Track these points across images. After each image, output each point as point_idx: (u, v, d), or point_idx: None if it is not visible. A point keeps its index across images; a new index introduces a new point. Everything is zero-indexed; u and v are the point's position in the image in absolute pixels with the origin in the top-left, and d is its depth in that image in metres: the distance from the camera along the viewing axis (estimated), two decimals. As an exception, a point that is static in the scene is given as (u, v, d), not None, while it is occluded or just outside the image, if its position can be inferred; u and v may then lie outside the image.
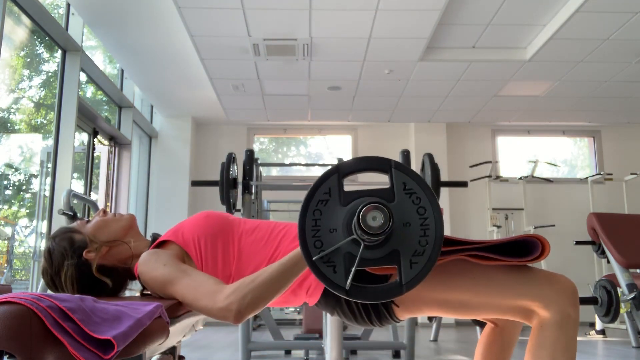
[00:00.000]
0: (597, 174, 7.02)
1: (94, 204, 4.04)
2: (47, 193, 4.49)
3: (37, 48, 4.84)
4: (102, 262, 1.27)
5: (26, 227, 4.93)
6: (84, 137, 5.40)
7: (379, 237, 0.92)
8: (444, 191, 6.68)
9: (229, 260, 1.26)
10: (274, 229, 1.31)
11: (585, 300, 3.79)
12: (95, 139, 5.55)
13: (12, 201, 4.80)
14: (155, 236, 1.35)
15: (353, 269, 0.93)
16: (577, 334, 1.16)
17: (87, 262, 1.26)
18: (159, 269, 1.16)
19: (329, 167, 0.98)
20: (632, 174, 6.76)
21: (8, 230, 4.72)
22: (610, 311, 3.64)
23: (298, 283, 1.25)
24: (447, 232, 6.95)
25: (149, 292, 1.27)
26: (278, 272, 1.08)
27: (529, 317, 1.19)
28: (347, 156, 7.54)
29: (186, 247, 1.25)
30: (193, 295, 1.10)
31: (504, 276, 1.17)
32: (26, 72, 4.82)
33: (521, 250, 1.17)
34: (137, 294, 1.37)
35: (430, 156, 3.61)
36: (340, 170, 0.97)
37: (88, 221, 1.35)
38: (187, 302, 1.12)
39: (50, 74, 4.93)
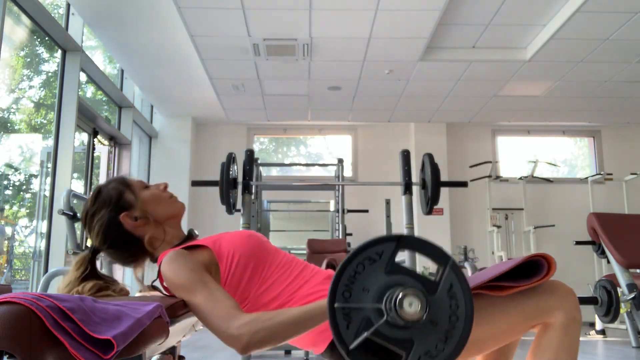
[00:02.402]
0: (597, 174, 7.03)
1: (94, 204, 4.03)
2: (47, 193, 4.49)
3: (37, 48, 4.84)
4: (132, 231, 1.28)
5: (26, 227, 4.93)
6: (84, 137, 5.40)
7: (404, 323, 0.92)
8: (444, 191, 6.68)
9: (252, 284, 1.25)
10: (303, 269, 1.31)
11: (585, 300, 3.80)
12: (95, 139, 5.55)
13: (12, 201, 4.80)
14: (191, 232, 1.35)
15: (365, 335, 0.92)
16: (580, 336, 1.17)
17: (119, 221, 1.27)
18: (185, 272, 1.16)
19: (390, 235, 0.97)
20: (632, 174, 6.76)
21: (8, 230, 4.72)
22: (610, 311, 3.65)
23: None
24: (447, 231, 6.95)
25: (157, 286, 1.27)
26: (297, 318, 1.07)
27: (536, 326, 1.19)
28: (347, 156, 7.54)
29: (219, 257, 1.24)
30: (209, 311, 1.10)
31: (508, 302, 1.17)
32: (26, 72, 4.82)
33: (526, 272, 1.17)
34: (138, 294, 1.36)
35: (430, 156, 3.61)
36: (401, 242, 0.97)
37: (148, 186, 1.35)
38: (200, 314, 1.12)
39: (50, 74, 4.93)
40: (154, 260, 1.31)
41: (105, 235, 1.28)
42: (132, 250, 1.30)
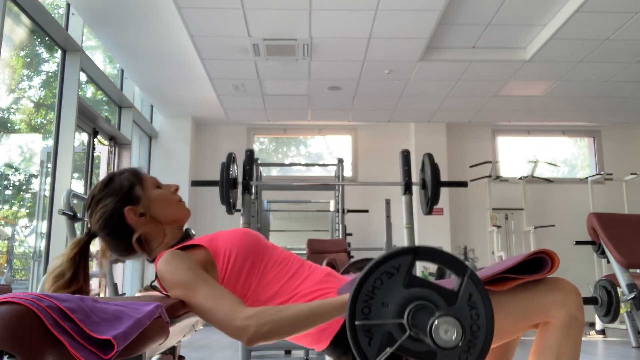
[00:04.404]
0: (597, 174, 7.02)
1: (94, 204, 4.03)
2: (47, 193, 4.49)
3: (37, 48, 4.84)
4: (133, 225, 1.28)
5: (26, 227, 4.93)
6: (84, 137, 5.40)
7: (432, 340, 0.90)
8: (444, 191, 6.68)
9: (250, 281, 1.26)
10: (302, 266, 1.31)
11: (585, 300, 3.79)
12: (95, 139, 5.55)
13: (12, 201, 4.80)
14: (188, 231, 1.35)
15: (389, 350, 0.92)
16: (582, 336, 1.16)
17: (123, 213, 1.27)
18: (182, 271, 1.16)
19: (406, 247, 0.96)
20: (632, 174, 6.76)
21: (8, 230, 4.72)
22: (610, 311, 3.64)
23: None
24: (447, 231, 6.95)
25: (156, 285, 1.27)
26: (304, 313, 1.07)
27: (538, 325, 1.19)
28: (347, 156, 7.54)
29: (215, 256, 1.24)
30: (211, 305, 1.10)
31: (510, 298, 1.16)
32: (26, 72, 4.82)
33: (529, 268, 1.17)
34: (138, 294, 1.36)
35: (430, 156, 3.61)
36: (417, 254, 0.96)
37: (159, 185, 1.36)
38: (203, 310, 1.12)
39: (50, 74, 4.93)
40: (152, 260, 1.31)
41: (105, 223, 1.28)
42: (128, 243, 1.29)
